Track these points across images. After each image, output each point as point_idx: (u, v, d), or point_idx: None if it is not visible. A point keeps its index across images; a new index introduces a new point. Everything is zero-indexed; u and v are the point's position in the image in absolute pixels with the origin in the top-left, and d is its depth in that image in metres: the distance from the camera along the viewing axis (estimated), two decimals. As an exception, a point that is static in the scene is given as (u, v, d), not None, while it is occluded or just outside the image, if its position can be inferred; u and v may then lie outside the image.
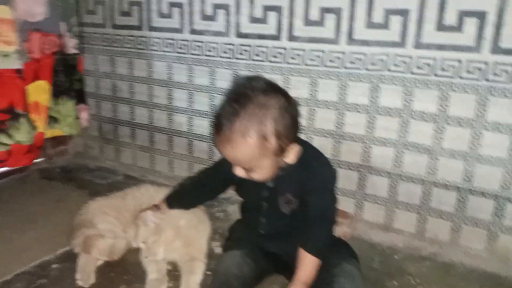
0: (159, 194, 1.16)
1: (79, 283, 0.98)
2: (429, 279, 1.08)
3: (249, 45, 1.39)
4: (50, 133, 1.50)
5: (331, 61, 1.27)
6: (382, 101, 1.22)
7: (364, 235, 1.29)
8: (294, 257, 0.90)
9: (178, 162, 1.66)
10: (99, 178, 1.69)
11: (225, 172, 0.92)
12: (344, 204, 1.34)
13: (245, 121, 0.78)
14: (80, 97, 1.69)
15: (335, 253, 0.93)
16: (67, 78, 1.51)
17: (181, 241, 1.06)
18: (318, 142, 1.32)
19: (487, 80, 1.09)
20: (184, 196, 1.13)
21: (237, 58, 1.43)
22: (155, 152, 1.71)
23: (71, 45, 1.55)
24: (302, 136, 0.99)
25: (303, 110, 1.32)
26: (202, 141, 1.58)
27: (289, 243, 0.93)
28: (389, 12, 1.16)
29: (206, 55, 1.49)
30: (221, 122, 0.79)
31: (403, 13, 1.14)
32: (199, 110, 1.55)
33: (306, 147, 0.91)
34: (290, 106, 0.83)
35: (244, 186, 0.98)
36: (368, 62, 1.22)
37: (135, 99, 1.70)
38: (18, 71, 1.26)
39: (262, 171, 0.85)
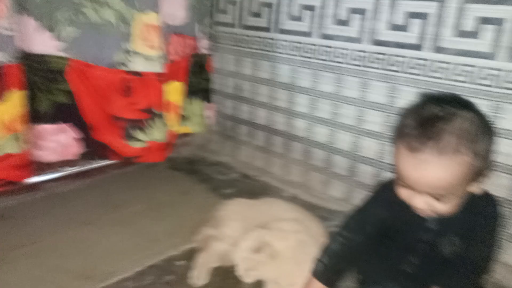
0: (287, 212, 1.15)
1: (192, 280, 1.03)
2: None
3: (383, 53, 1.29)
4: (182, 129, 1.61)
5: (482, 78, 1.11)
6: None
7: (504, 281, 1.12)
8: None
9: (293, 167, 1.65)
10: (218, 173, 1.76)
11: (376, 219, 0.85)
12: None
13: (456, 134, 0.67)
14: (207, 96, 1.77)
15: None
16: (198, 79, 1.59)
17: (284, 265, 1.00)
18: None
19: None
20: (340, 265, 0.93)
21: (368, 67, 1.34)
22: (272, 154, 1.72)
23: (202, 45, 1.62)
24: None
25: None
26: (320, 149, 1.53)
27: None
28: None
29: (333, 61, 1.42)
30: (430, 136, 0.68)
31: None
32: (320, 117, 1.51)
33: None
34: (490, 126, 0.72)
35: (396, 230, 0.86)
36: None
37: (256, 99, 1.72)
38: (159, 74, 1.35)
39: (453, 200, 0.73)
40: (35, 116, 1.28)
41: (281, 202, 1.24)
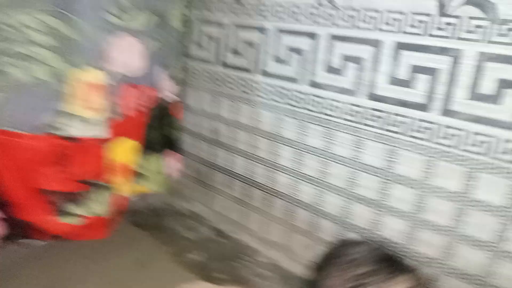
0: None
1: None
2: None
3: (382, 111, 1.10)
4: (136, 189, 1.37)
5: (501, 152, 0.92)
6: None
7: None
8: None
9: (274, 225, 1.44)
10: (187, 229, 1.54)
11: None
12: None
13: None
14: (174, 146, 1.54)
15: None
16: (160, 131, 1.36)
17: None
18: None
19: None
20: None
21: (364, 124, 1.14)
22: (251, 208, 1.51)
23: (169, 91, 1.39)
24: None
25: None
26: (305, 209, 1.33)
27: None
28: None
29: (324, 113, 1.23)
30: None
31: None
32: (307, 175, 1.30)
33: None
34: None
35: None
36: None
37: (235, 146, 1.51)
38: (100, 139, 1.12)
39: None
40: None
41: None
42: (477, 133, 0.95)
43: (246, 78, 1.41)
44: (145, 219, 1.56)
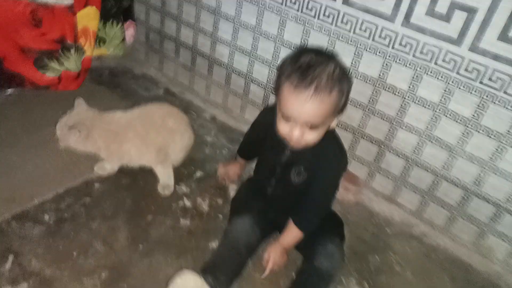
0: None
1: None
2: (409, 259, 1.23)
3: (302, -4, 1.33)
4: (96, 52, 1.59)
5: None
6: (420, 91, 1.21)
7: (367, 202, 1.41)
8: (281, 218, 1.07)
9: (215, 88, 1.74)
10: (142, 88, 1.81)
11: (260, 132, 1.07)
12: (358, 170, 1.44)
13: (331, 76, 0.84)
14: (129, 13, 1.71)
15: (325, 231, 1.07)
16: (116, 1, 1.52)
17: (141, 147, 1.24)
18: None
19: (530, 102, 1.05)
20: (246, 149, 1.29)
21: (286, 6, 1.38)
22: (196, 73, 1.79)
23: None
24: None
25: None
26: (240, 76, 1.63)
27: (288, 212, 1.06)
28: None
29: (257, -6, 1.43)
30: (310, 70, 0.84)
31: None
32: (242, 47, 1.56)
33: (331, 133, 0.98)
34: (351, 86, 0.91)
35: (268, 149, 1.09)
36: (416, 50, 1.17)
37: (182, 17, 1.70)
38: (69, 6, 1.30)
39: (319, 131, 0.90)
40: None
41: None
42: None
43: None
44: (105, 78, 1.81)
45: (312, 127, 0.89)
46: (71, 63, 1.40)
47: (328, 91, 0.84)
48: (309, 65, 0.85)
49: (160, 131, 1.27)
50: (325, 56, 0.88)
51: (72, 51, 1.38)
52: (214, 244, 1.13)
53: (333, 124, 0.95)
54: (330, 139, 0.98)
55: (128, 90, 1.77)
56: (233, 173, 1.32)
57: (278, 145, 1.00)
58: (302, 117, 0.87)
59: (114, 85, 1.78)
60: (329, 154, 0.99)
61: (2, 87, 1.42)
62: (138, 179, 1.31)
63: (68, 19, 1.31)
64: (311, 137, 0.91)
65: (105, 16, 1.53)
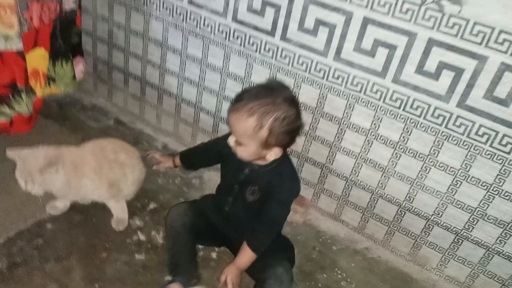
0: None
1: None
2: (353, 274, 1.33)
3: (243, 32, 1.42)
4: (47, 91, 1.59)
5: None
6: (353, 118, 1.33)
7: (314, 221, 1.51)
8: (238, 241, 1.15)
9: (165, 117, 1.79)
10: (92, 119, 1.82)
11: (220, 147, 1.15)
12: (305, 191, 1.53)
13: (256, 106, 0.98)
14: (78, 50, 1.72)
15: (276, 253, 1.15)
16: (64, 40, 1.54)
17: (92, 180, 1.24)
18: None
19: (446, 127, 1.19)
20: (191, 155, 1.39)
21: (230, 40, 1.46)
22: (146, 103, 1.82)
23: (71, 1, 1.53)
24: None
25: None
26: (189, 105, 1.68)
27: (241, 231, 1.16)
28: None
29: (201, 28, 1.50)
30: (242, 97, 1.01)
31: None
32: (190, 78, 1.63)
33: (287, 161, 1.12)
34: (294, 121, 1.02)
35: (228, 165, 1.19)
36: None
37: (130, 49, 1.74)
38: (19, 51, 1.31)
39: (245, 151, 1.05)
40: None
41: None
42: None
43: (135, -11, 1.59)
44: (53, 111, 1.80)
45: (237, 142, 1.04)
46: (22, 107, 1.40)
47: (245, 117, 0.98)
48: (247, 91, 1.03)
49: (112, 166, 1.29)
50: (271, 97, 0.99)
51: (23, 94, 1.38)
52: (169, 277, 1.17)
53: (269, 156, 1.06)
54: (285, 165, 1.10)
55: (78, 123, 1.77)
56: (163, 163, 1.42)
57: (239, 164, 1.11)
58: (233, 133, 1.04)
59: (63, 118, 1.77)
60: (283, 178, 1.09)
61: None
62: (90, 215, 1.33)
63: (17, 63, 1.31)
64: (239, 150, 1.05)
65: (54, 56, 1.53)
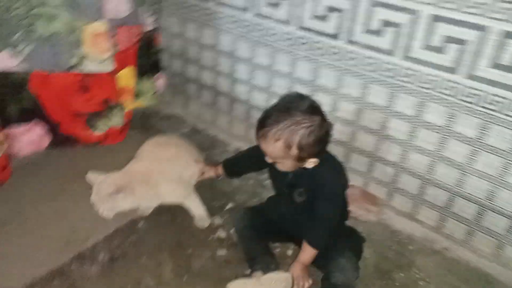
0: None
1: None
2: (432, 274, 1.31)
3: (307, 38, 1.47)
4: (135, 105, 1.78)
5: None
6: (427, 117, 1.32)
7: (389, 221, 1.50)
8: (300, 238, 1.19)
9: (237, 123, 1.89)
10: (170, 128, 1.97)
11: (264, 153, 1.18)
12: (378, 191, 1.54)
13: (280, 130, 1.02)
14: (158, 67, 1.90)
15: (337, 245, 1.17)
16: (147, 57, 1.72)
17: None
18: (362, 137, 1.48)
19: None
20: (236, 163, 1.43)
21: (296, 47, 1.52)
22: (218, 110, 1.94)
23: (148, 23, 1.71)
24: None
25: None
26: (258, 111, 1.76)
27: (298, 225, 1.21)
28: None
29: (267, 38, 1.58)
30: (265, 123, 1.04)
31: None
32: (258, 85, 1.71)
33: (328, 159, 1.15)
34: (319, 129, 1.04)
35: (274, 172, 1.22)
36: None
37: (202, 62, 1.87)
38: (111, 72, 1.50)
39: (284, 166, 1.11)
40: (8, 121, 1.48)
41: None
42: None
43: (203, 7, 1.71)
44: (137, 122, 1.98)
45: (273, 161, 1.10)
46: (115, 120, 1.60)
47: (272, 142, 1.03)
48: (266, 117, 1.05)
49: (175, 163, 1.39)
50: (289, 117, 1.02)
51: (115, 109, 1.57)
52: (249, 271, 1.24)
53: (308, 165, 1.10)
54: (326, 165, 1.13)
55: (158, 132, 1.92)
56: (206, 173, 1.44)
57: (280, 172, 1.16)
58: (264, 152, 1.09)
59: (146, 128, 1.94)
60: (323, 176, 1.13)
61: (57, 147, 1.61)
62: (176, 215, 1.45)
63: (110, 83, 1.51)
64: (279, 166, 1.11)
65: (139, 73, 1.72)
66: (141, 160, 1.39)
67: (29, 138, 1.54)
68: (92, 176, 1.28)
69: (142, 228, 1.39)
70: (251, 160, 1.37)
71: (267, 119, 1.04)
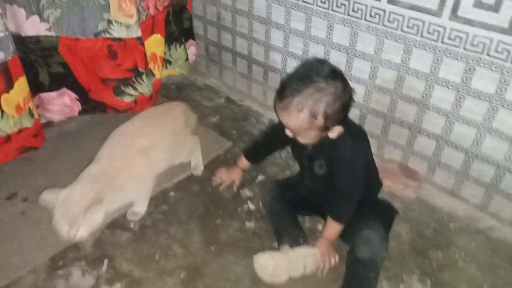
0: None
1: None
2: (474, 255, 1.22)
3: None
4: (164, 73, 1.76)
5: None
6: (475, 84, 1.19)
7: (429, 197, 1.41)
8: (324, 208, 1.17)
9: (271, 93, 1.83)
10: (206, 99, 1.96)
11: (281, 130, 1.11)
12: (418, 165, 1.44)
13: (303, 100, 0.96)
14: (190, 34, 1.86)
15: (363, 217, 1.10)
16: (179, 24, 1.68)
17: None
18: (402, 106, 1.38)
19: None
20: (257, 149, 1.41)
21: (333, 10, 1.42)
22: (252, 81, 1.89)
23: None
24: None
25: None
26: (294, 80, 1.69)
27: (322, 196, 1.18)
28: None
29: (303, 1, 1.49)
30: (285, 93, 0.97)
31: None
32: (294, 53, 1.63)
33: (351, 131, 1.07)
34: (343, 94, 0.98)
35: (294, 145, 1.21)
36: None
37: (236, 29, 1.81)
38: (138, 38, 1.47)
39: (307, 138, 1.05)
40: (40, 87, 1.51)
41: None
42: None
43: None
44: (173, 93, 1.99)
45: (295, 134, 1.04)
46: (144, 88, 1.59)
47: (295, 113, 0.96)
48: (285, 87, 0.97)
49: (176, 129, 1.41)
50: (312, 84, 0.95)
51: (144, 77, 1.56)
52: (277, 244, 1.22)
53: (331, 135, 1.04)
54: (343, 135, 1.05)
55: (194, 102, 1.92)
56: (231, 181, 1.41)
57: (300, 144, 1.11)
58: (285, 125, 1.03)
59: (181, 99, 1.94)
60: (342, 147, 1.06)
61: (89, 113, 1.65)
62: (206, 186, 1.45)
63: (138, 49, 1.49)
64: (301, 139, 1.06)
65: (169, 40, 1.69)
66: (99, 161, 1.26)
67: (62, 103, 1.57)
68: (48, 196, 1.10)
69: (173, 198, 1.41)
70: (271, 143, 1.36)
71: (287, 89, 0.97)
